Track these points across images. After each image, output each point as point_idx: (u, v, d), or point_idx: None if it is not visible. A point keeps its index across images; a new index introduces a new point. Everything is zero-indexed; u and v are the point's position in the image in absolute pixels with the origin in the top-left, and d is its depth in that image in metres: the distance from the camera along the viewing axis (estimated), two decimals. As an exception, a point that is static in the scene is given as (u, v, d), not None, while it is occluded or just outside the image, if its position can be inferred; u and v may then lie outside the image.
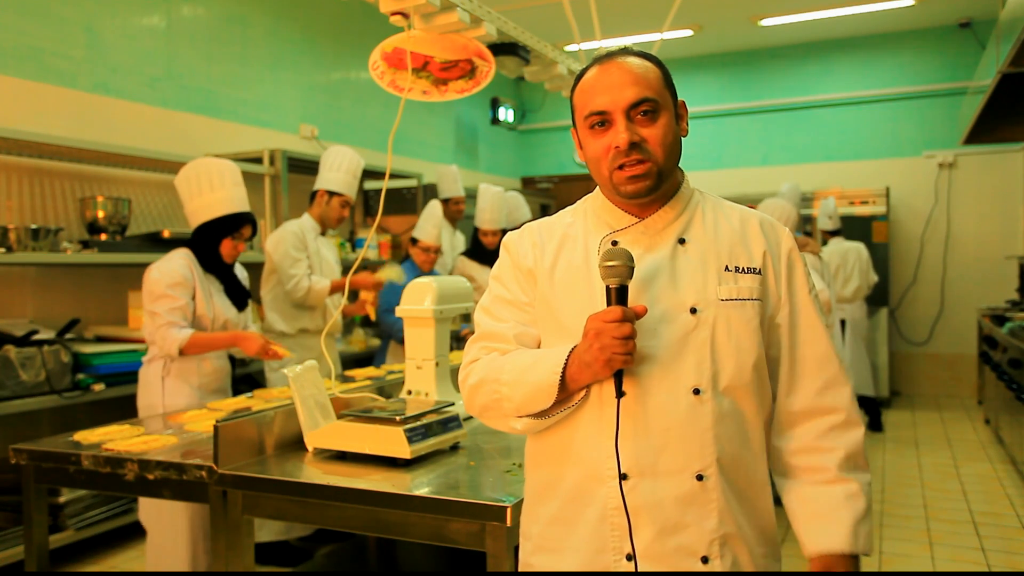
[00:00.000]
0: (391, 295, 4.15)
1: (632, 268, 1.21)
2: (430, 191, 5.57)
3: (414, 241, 4.27)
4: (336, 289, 3.70)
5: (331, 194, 3.72)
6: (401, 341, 4.12)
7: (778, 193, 5.57)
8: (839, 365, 1.34)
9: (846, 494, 1.28)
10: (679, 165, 1.36)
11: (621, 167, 1.26)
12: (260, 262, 4.02)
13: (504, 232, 4.81)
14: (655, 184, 1.27)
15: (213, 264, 2.94)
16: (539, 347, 1.37)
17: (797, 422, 1.33)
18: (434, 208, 4.27)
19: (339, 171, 3.74)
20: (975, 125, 5.37)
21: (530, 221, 1.50)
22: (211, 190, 2.89)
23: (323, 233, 3.82)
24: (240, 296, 3.05)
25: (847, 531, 1.26)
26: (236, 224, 2.93)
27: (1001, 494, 4.26)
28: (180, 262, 2.86)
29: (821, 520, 1.28)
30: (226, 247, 2.94)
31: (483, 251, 4.81)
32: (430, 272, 4.28)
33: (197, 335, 2.82)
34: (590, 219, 1.37)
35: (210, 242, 2.92)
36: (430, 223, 4.22)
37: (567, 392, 1.26)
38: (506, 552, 1.64)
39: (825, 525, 1.28)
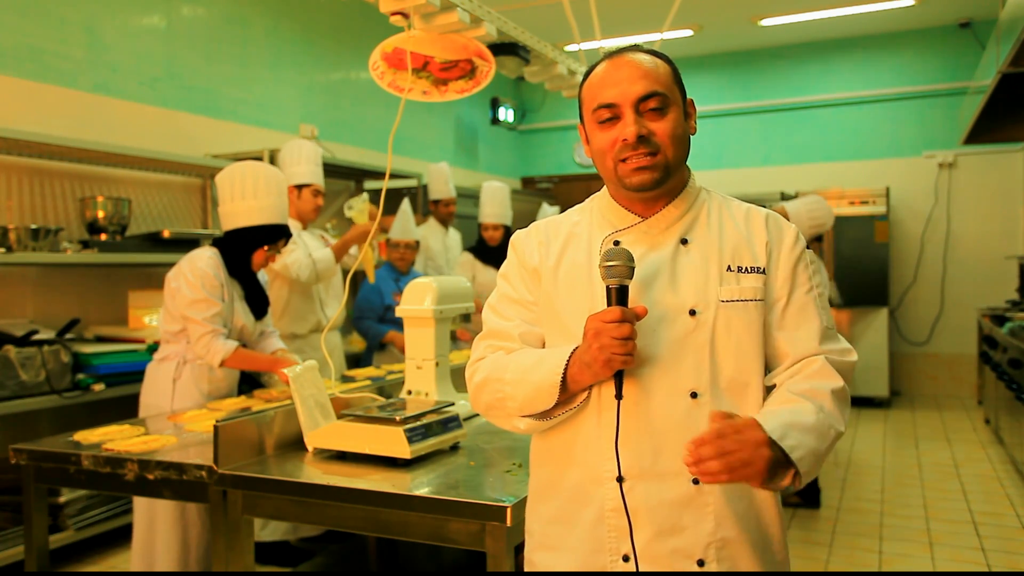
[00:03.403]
0: (365, 306, 4.15)
1: (632, 268, 1.21)
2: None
3: (387, 240, 4.26)
4: (339, 253, 3.68)
5: (299, 188, 3.69)
6: (376, 347, 4.13)
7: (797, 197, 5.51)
8: (841, 365, 1.30)
9: (791, 408, 1.19)
10: (687, 165, 1.36)
11: (625, 160, 1.26)
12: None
13: (506, 228, 4.84)
14: (662, 177, 1.27)
15: (240, 270, 2.89)
16: (544, 346, 1.37)
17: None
18: (404, 206, 4.25)
19: (300, 164, 3.71)
20: (975, 125, 5.37)
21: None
22: (255, 196, 2.83)
23: (304, 228, 3.80)
24: (260, 303, 3.00)
25: (774, 421, 1.14)
26: (276, 235, 2.89)
27: (1001, 494, 4.26)
28: (210, 263, 2.80)
29: (755, 411, 1.21)
30: (259, 256, 2.90)
31: (486, 249, 4.80)
32: (408, 271, 4.26)
33: (241, 351, 2.79)
34: (595, 218, 1.37)
35: (244, 248, 2.87)
36: (399, 219, 4.21)
37: (568, 393, 1.26)
38: (506, 552, 1.64)
39: (760, 413, 1.19)
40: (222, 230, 2.91)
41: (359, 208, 3.72)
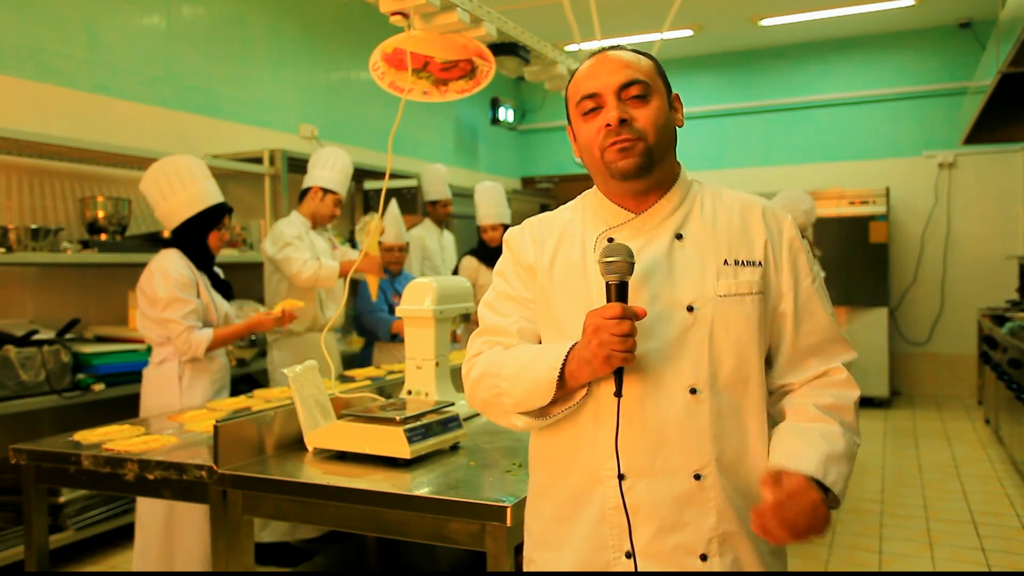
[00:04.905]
0: (364, 303, 4.13)
1: (632, 264, 1.21)
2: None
3: (379, 245, 4.23)
4: (345, 272, 3.68)
5: (325, 192, 3.72)
6: (386, 338, 4.11)
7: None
8: (844, 348, 1.33)
9: (823, 432, 1.23)
10: (678, 160, 1.36)
11: (612, 144, 1.26)
12: (259, 262, 4.01)
13: (505, 227, 4.78)
14: (645, 162, 1.26)
15: (203, 259, 3.00)
16: (540, 343, 1.37)
17: (795, 391, 1.32)
18: (392, 208, 4.22)
19: (332, 170, 3.74)
20: (975, 125, 5.37)
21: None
22: (184, 187, 2.92)
23: (313, 228, 3.80)
24: (226, 289, 3.10)
25: (818, 459, 1.19)
26: (219, 215, 2.99)
27: (1001, 494, 4.26)
28: (179, 262, 2.89)
29: (796, 442, 1.23)
30: (213, 239, 3.00)
31: (488, 251, 4.76)
32: (399, 273, 4.26)
33: (218, 331, 2.92)
34: (588, 215, 1.37)
35: (198, 237, 2.97)
36: (390, 223, 4.17)
37: (566, 389, 1.25)
38: (506, 552, 1.64)
39: (798, 447, 1.22)
40: (167, 230, 3.00)
41: (368, 229, 3.72)
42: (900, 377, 7.18)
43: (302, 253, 3.55)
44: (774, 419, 1.33)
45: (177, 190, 2.91)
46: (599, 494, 1.26)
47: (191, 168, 2.95)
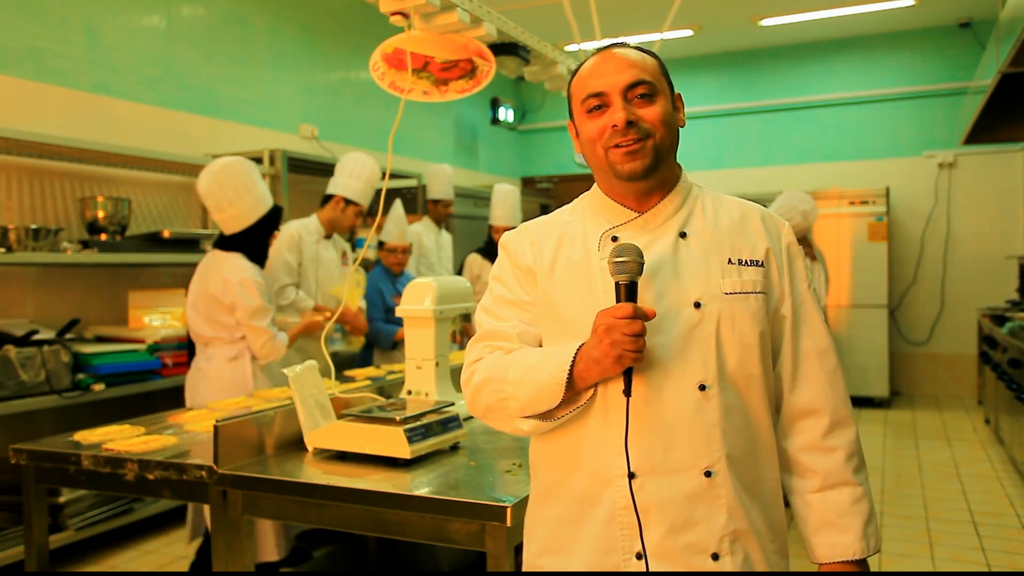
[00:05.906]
0: (372, 307, 4.13)
1: (642, 264, 1.20)
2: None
3: (381, 244, 4.22)
4: (318, 310, 3.66)
5: (348, 202, 3.70)
6: (388, 347, 4.10)
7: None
8: (836, 359, 1.35)
9: (853, 498, 1.30)
10: (677, 161, 1.36)
11: (616, 146, 1.26)
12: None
13: None
14: (653, 163, 1.27)
15: (263, 262, 3.08)
16: (541, 347, 1.36)
17: (802, 417, 1.33)
18: (396, 209, 4.22)
19: (359, 180, 3.70)
20: (975, 125, 5.37)
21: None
22: (248, 191, 2.94)
23: (328, 236, 3.79)
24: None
25: (858, 537, 1.28)
26: (279, 217, 3.08)
27: (1001, 494, 4.26)
28: (254, 269, 2.96)
29: (832, 529, 1.29)
30: (272, 240, 3.10)
31: (495, 250, 4.80)
32: (400, 274, 4.26)
33: (289, 333, 3.10)
34: (588, 216, 1.37)
35: (264, 239, 3.04)
36: (393, 224, 4.16)
37: (574, 391, 1.25)
38: (506, 552, 1.64)
39: (837, 534, 1.29)
40: (227, 233, 2.99)
41: (348, 283, 3.67)
42: (900, 377, 7.18)
43: (288, 277, 3.55)
44: (787, 450, 1.33)
45: (242, 193, 2.93)
46: (608, 494, 1.24)
47: (249, 171, 2.97)
